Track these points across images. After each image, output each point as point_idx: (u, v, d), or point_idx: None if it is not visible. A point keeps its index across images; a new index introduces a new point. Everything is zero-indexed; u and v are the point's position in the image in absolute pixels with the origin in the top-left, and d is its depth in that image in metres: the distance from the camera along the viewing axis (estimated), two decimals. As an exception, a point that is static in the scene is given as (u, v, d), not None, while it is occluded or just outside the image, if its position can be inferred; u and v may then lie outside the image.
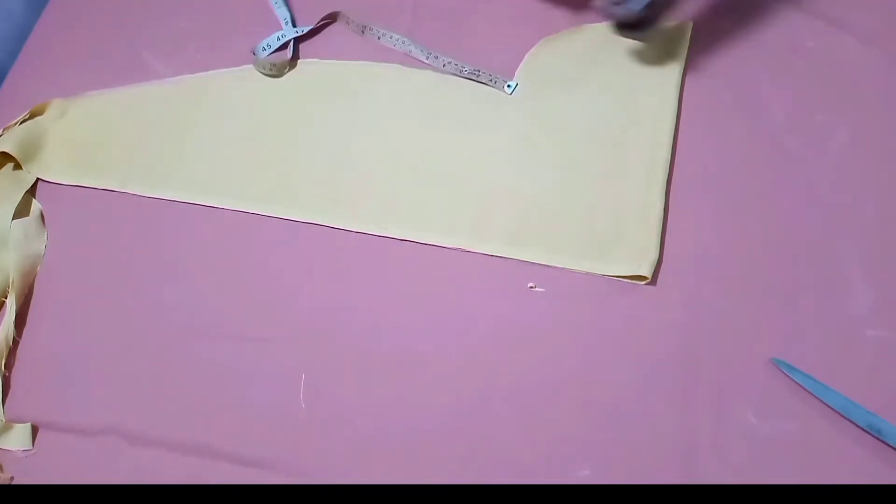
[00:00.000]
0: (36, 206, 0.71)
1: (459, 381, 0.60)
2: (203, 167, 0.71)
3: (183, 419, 0.61)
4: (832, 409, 0.56)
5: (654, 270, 0.62)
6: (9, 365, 0.64)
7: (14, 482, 0.60)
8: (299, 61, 0.76)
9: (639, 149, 0.67)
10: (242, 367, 0.62)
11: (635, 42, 0.71)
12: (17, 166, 0.73)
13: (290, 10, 0.78)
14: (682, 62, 0.70)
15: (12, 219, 0.69)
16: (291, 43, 0.76)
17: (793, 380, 0.57)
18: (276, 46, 0.76)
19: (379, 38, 0.76)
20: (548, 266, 0.63)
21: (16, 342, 0.65)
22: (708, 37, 0.72)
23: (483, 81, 0.72)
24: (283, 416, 0.60)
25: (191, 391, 0.62)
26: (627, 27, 0.67)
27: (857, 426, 0.55)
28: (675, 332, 0.60)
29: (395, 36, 0.75)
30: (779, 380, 0.58)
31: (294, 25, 0.77)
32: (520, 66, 0.73)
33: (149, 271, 0.67)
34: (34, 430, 0.62)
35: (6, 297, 0.67)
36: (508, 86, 0.72)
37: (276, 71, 0.75)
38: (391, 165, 0.69)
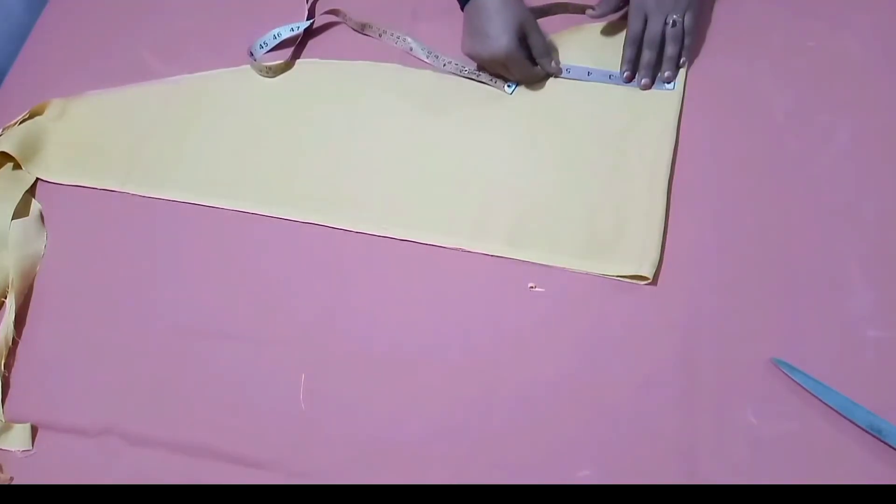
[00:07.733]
0: (36, 206, 0.71)
1: (459, 382, 0.60)
2: (203, 167, 0.71)
3: (183, 419, 0.61)
4: (832, 409, 0.56)
5: (655, 271, 0.62)
6: (9, 365, 0.64)
7: (14, 482, 0.60)
8: (299, 61, 0.76)
9: (640, 148, 0.67)
10: (242, 368, 0.62)
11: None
12: (17, 166, 0.73)
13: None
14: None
15: (12, 219, 0.69)
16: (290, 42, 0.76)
17: (793, 380, 0.57)
18: (273, 45, 0.76)
19: (380, 36, 0.76)
20: (548, 266, 0.63)
21: (15, 342, 0.65)
22: (709, 38, 0.72)
23: (483, 81, 0.72)
24: (283, 417, 0.60)
25: (191, 391, 0.62)
26: None
27: (857, 426, 0.55)
28: (675, 333, 0.60)
29: (396, 34, 0.75)
30: (779, 380, 0.58)
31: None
32: (520, 66, 0.73)
33: (149, 271, 0.67)
34: (34, 430, 0.62)
35: (6, 297, 0.67)
36: (509, 86, 0.72)
37: (272, 73, 0.75)
38: (391, 165, 0.69)
